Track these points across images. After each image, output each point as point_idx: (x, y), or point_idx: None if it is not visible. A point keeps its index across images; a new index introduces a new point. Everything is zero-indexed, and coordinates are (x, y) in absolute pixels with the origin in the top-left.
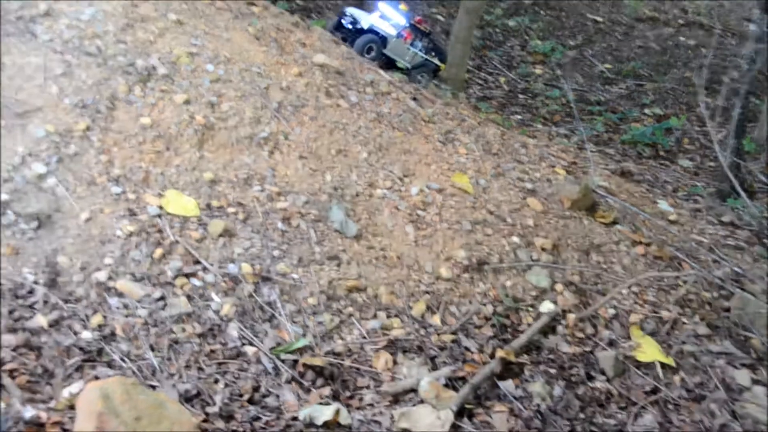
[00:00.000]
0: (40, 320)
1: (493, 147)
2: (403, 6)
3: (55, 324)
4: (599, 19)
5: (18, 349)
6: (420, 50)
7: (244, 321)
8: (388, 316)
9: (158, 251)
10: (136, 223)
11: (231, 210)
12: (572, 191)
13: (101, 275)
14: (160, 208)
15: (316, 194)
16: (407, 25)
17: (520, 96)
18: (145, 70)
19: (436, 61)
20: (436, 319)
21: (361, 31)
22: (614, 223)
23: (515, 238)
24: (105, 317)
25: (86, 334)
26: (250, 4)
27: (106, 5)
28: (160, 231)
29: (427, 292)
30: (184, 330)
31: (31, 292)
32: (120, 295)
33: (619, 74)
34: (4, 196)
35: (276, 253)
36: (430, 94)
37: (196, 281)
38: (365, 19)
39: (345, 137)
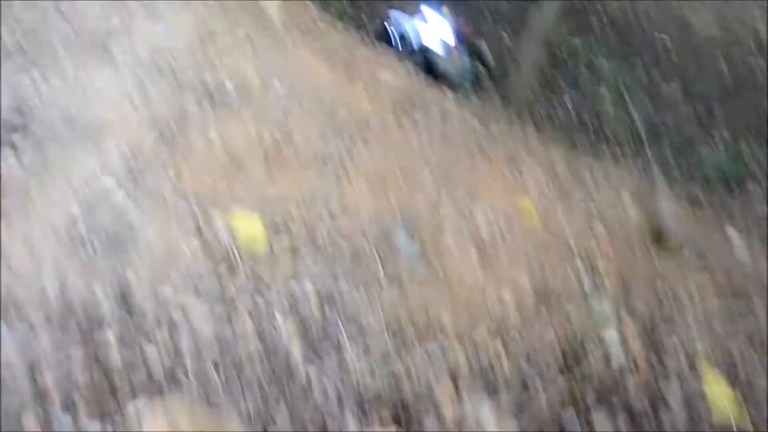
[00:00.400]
0: (108, 336)
1: (558, 169)
2: (447, 11)
3: (122, 339)
4: (667, 38)
5: (85, 363)
6: (465, 56)
7: (306, 341)
8: (451, 342)
9: (224, 269)
10: (203, 240)
11: (296, 229)
12: (638, 218)
13: (168, 292)
14: (227, 225)
15: (381, 215)
16: (453, 30)
17: (586, 117)
18: (215, 87)
19: (481, 67)
20: (498, 345)
21: (406, 36)
22: (681, 251)
23: (580, 265)
24: (170, 334)
25: (151, 350)
26: (319, 22)
27: (178, 22)
28: (226, 249)
29: (490, 318)
30: (246, 349)
31: (99, 307)
32: (185, 311)
33: (687, 96)
34: (76, 212)
35: (339, 273)
36: (495, 114)
37: (260, 300)
38: (410, 24)
39: (410, 158)
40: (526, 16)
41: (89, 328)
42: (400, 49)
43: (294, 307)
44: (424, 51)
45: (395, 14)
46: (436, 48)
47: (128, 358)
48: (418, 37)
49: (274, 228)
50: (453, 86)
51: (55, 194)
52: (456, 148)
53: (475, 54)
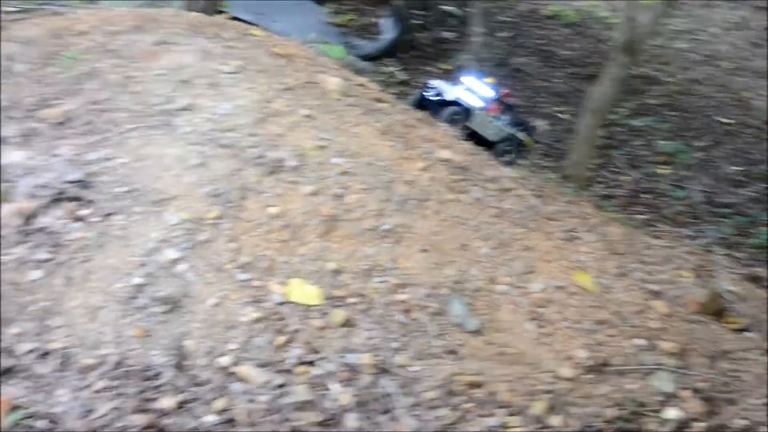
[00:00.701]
0: (166, 402)
1: (617, 246)
2: (489, 79)
3: (180, 406)
4: (728, 121)
5: (144, 430)
6: (505, 124)
7: (362, 412)
8: (507, 414)
9: (280, 339)
10: (261, 310)
11: (352, 300)
12: (699, 295)
13: (225, 360)
14: (284, 296)
15: (437, 287)
16: (494, 97)
17: (645, 196)
18: (276, 162)
19: (521, 135)
20: (556, 420)
21: (446, 103)
22: (744, 329)
23: (639, 340)
24: (227, 402)
25: (209, 418)
26: (378, 100)
27: (242, 100)
28: (282, 319)
29: (547, 392)
30: (302, 418)
31: (158, 374)
32: (242, 380)
33: (748, 177)
34: (139, 280)
35: (395, 344)
36: (552, 191)
37: (316, 370)
38: (450, 91)
39: (466, 232)
40: (585, 96)
41: (149, 395)
42: (437, 114)
43: (350, 379)
44: (462, 114)
45: (437, 83)
46: (475, 113)
47: (185, 426)
48: (457, 102)
49: (330, 299)
50: (492, 150)
51: (119, 264)
52: (513, 224)
53: (517, 122)
